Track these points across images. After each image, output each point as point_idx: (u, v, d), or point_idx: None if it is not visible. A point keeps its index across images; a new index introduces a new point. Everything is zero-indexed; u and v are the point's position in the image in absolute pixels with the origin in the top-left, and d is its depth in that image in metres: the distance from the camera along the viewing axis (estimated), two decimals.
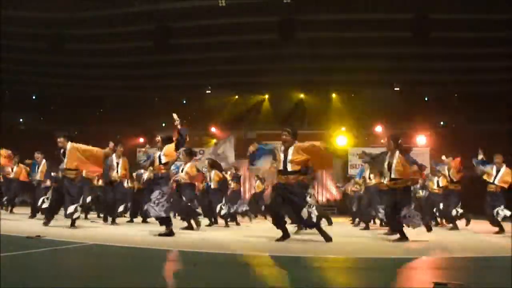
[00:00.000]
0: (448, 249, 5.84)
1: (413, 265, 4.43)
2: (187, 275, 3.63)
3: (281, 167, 6.05)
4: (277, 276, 3.72)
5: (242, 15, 15.12)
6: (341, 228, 9.86)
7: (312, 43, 16.16)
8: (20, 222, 8.09)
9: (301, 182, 6.44)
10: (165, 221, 6.49)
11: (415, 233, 6.67)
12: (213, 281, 3.37)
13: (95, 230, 7.16)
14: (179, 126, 6.64)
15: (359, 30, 15.28)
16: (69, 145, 7.24)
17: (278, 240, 5.92)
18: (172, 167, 7.58)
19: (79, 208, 7.30)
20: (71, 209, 7.04)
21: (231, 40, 16.52)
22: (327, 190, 20.25)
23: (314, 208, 6.96)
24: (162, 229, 6.47)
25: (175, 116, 6.64)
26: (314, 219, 6.27)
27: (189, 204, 8.06)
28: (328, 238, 5.92)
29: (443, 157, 9.73)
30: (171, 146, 6.76)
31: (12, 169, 10.09)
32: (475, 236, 8.08)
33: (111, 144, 7.82)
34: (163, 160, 6.73)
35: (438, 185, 10.12)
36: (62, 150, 7.31)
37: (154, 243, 5.61)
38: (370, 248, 5.91)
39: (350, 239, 6.98)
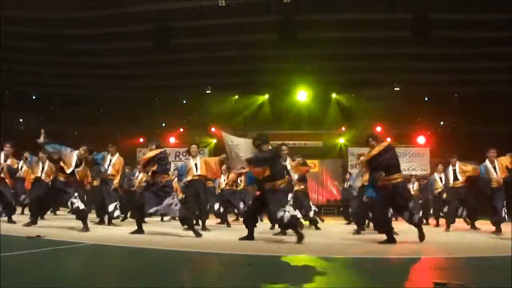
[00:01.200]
0: (448, 249, 5.83)
1: (413, 265, 4.43)
2: (187, 275, 3.63)
3: None
4: (272, 276, 3.72)
5: (242, 15, 15.11)
6: (344, 228, 9.88)
7: (312, 43, 16.15)
8: (20, 222, 8.08)
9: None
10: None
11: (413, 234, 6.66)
12: (213, 280, 3.36)
13: (95, 230, 7.15)
14: None
15: (359, 30, 15.27)
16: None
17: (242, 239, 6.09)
18: None
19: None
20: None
21: (231, 40, 16.50)
22: (327, 190, 20.24)
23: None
24: (163, 229, 6.47)
25: None
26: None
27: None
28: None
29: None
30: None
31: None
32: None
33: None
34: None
35: None
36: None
37: (154, 243, 5.61)
38: (370, 248, 5.90)
39: (349, 238, 6.98)
